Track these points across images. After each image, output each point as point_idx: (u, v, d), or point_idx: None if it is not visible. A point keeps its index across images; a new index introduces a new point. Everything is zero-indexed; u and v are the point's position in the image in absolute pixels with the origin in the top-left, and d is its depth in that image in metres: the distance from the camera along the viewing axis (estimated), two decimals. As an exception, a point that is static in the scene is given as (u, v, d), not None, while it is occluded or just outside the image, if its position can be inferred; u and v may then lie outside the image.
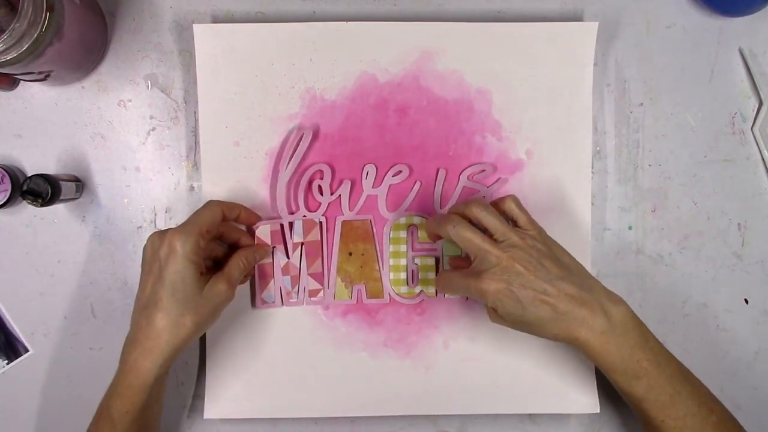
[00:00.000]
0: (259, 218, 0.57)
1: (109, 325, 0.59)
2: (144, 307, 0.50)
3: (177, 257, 0.49)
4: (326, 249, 0.58)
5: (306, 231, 0.58)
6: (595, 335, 0.49)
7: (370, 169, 0.58)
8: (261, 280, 0.58)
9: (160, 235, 0.50)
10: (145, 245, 0.51)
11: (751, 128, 0.60)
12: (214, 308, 0.51)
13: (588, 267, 0.58)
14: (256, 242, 0.57)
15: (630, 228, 0.60)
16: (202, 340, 0.58)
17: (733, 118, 0.60)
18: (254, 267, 0.58)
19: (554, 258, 0.50)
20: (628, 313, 0.50)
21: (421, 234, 0.58)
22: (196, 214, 0.52)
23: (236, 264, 0.54)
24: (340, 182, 0.58)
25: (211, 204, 0.53)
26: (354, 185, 0.58)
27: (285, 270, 0.58)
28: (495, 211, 0.51)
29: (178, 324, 0.49)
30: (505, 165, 0.59)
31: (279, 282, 0.58)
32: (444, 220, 0.51)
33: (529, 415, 0.60)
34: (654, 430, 0.50)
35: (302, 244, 0.58)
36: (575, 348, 0.50)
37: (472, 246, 0.50)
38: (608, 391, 0.60)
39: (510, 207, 0.52)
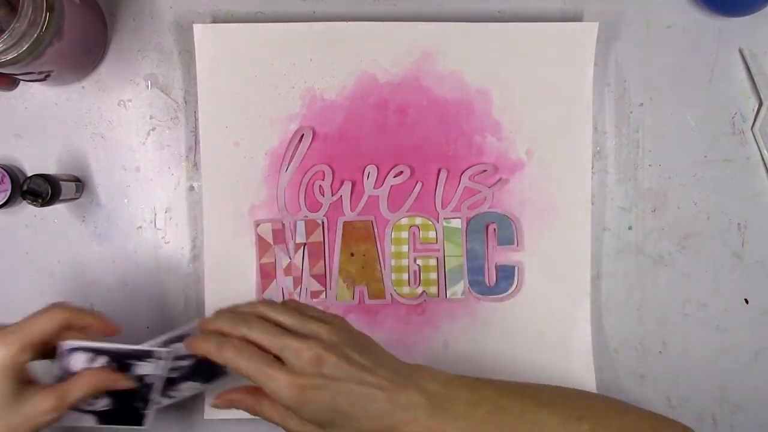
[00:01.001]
0: (116, 332, 0.48)
1: (109, 325, 0.59)
2: None
3: None
4: (328, 250, 0.58)
5: (309, 232, 0.58)
6: (424, 421, 0.42)
7: (372, 169, 0.58)
8: (263, 280, 0.58)
9: None
10: None
11: (751, 128, 0.60)
12: (30, 428, 0.43)
13: (586, 266, 0.59)
14: (258, 240, 0.57)
15: (630, 228, 0.60)
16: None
17: (733, 118, 0.61)
18: (257, 268, 0.57)
19: (362, 345, 0.45)
20: (438, 375, 0.45)
21: (423, 234, 0.58)
22: (29, 321, 0.44)
23: (81, 384, 0.45)
24: (341, 183, 0.58)
25: (51, 311, 0.45)
26: (355, 186, 0.58)
27: (287, 271, 0.58)
28: (282, 307, 0.46)
29: None
30: (505, 165, 0.59)
31: (281, 283, 0.58)
32: (222, 344, 0.43)
33: (529, 415, 0.60)
34: None
35: (305, 245, 0.58)
36: None
37: (257, 368, 0.42)
38: (608, 391, 0.60)
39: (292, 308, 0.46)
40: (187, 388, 0.51)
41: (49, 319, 0.44)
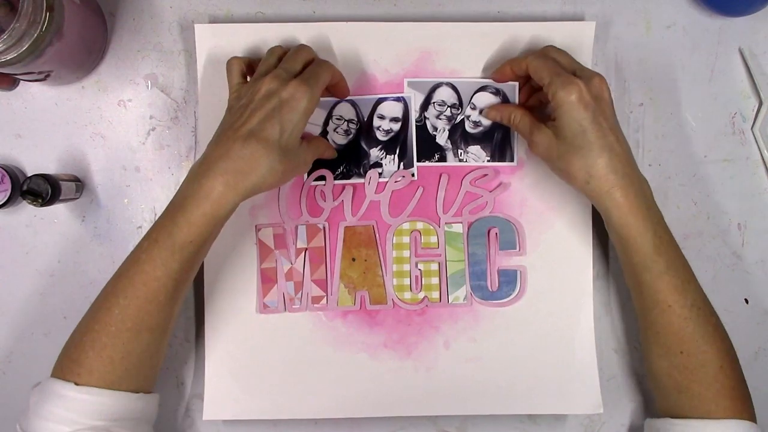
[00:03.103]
0: (348, 93, 0.57)
1: (109, 325, 0.59)
2: (244, 136, 0.47)
3: (299, 107, 0.48)
4: (329, 254, 0.58)
5: (310, 237, 0.58)
6: (629, 199, 0.49)
7: (373, 174, 0.58)
8: (264, 284, 0.58)
9: (283, 79, 0.49)
10: (255, 80, 0.51)
11: (751, 128, 0.60)
12: (295, 170, 0.51)
13: (588, 267, 0.59)
14: (259, 245, 0.58)
15: (630, 228, 0.60)
16: (202, 339, 0.58)
17: (733, 118, 0.61)
18: (258, 273, 0.58)
19: (615, 116, 0.52)
20: (652, 194, 0.52)
21: (424, 239, 0.58)
22: (318, 74, 0.50)
23: (326, 145, 0.55)
24: (342, 187, 0.58)
25: (327, 67, 0.52)
26: (356, 191, 0.58)
27: (288, 275, 0.58)
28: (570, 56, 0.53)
29: (273, 169, 0.48)
30: (505, 165, 0.59)
31: (282, 287, 0.58)
32: (521, 57, 0.53)
33: (530, 415, 0.60)
34: (657, 315, 0.51)
35: (306, 249, 0.58)
36: (605, 207, 0.50)
37: (554, 69, 0.50)
38: (608, 391, 0.60)
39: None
40: None
41: (329, 73, 0.52)
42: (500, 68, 0.56)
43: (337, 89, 0.56)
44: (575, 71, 0.51)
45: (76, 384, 0.47)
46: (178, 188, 0.49)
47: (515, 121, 0.55)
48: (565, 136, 0.50)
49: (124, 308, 0.48)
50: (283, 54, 0.53)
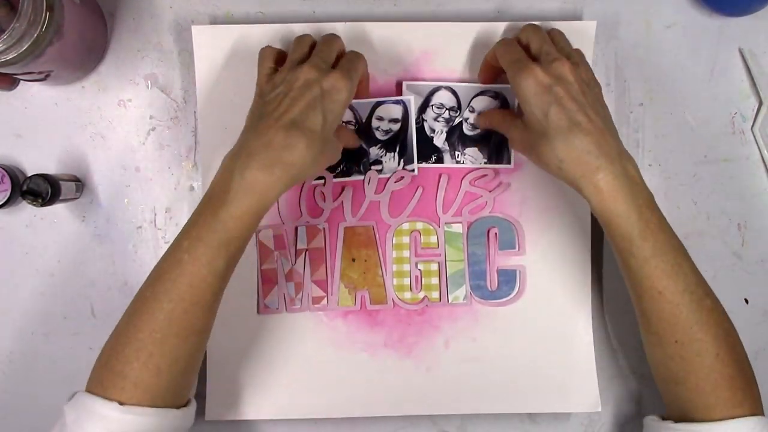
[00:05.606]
0: (368, 94, 0.56)
1: (109, 325, 0.59)
2: (287, 126, 0.46)
3: (340, 99, 0.48)
4: (329, 255, 0.58)
5: (310, 238, 0.58)
6: (608, 181, 0.46)
7: (372, 174, 0.58)
8: (264, 285, 0.58)
9: (322, 69, 0.48)
10: (290, 69, 0.49)
11: (751, 128, 0.60)
12: (330, 160, 0.51)
13: (587, 266, 0.59)
14: (259, 246, 0.58)
15: (630, 228, 0.60)
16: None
17: (733, 118, 0.61)
18: (259, 274, 0.58)
19: (594, 94, 0.50)
20: (639, 172, 0.48)
21: (424, 239, 0.58)
22: (356, 66, 0.50)
23: (350, 135, 0.56)
24: (342, 188, 0.58)
25: (362, 57, 0.52)
26: (356, 191, 0.58)
27: (288, 276, 0.58)
28: (545, 35, 0.52)
29: (315, 159, 0.47)
30: (502, 166, 0.59)
31: (282, 288, 0.58)
32: (498, 45, 0.51)
33: (529, 414, 0.60)
34: (648, 302, 0.48)
35: (306, 250, 0.58)
36: (584, 193, 0.47)
37: (512, 56, 0.50)
38: (608, 390, 0.60)
39: (559, 39, 0.53)
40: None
41: (364, 67, 0.52)
42: (482, 68, 0.56)
43: (361, 87, 0.54)
44: (540, 55, 0.49)
45: (120, 403, 0.44)
46: (212, 181, 0.47)
47: (494, 123, 0.55)
48: (531, 124, 0.48)
49: (169, 313, 0.45)
50: (313, 43, 0.53)
